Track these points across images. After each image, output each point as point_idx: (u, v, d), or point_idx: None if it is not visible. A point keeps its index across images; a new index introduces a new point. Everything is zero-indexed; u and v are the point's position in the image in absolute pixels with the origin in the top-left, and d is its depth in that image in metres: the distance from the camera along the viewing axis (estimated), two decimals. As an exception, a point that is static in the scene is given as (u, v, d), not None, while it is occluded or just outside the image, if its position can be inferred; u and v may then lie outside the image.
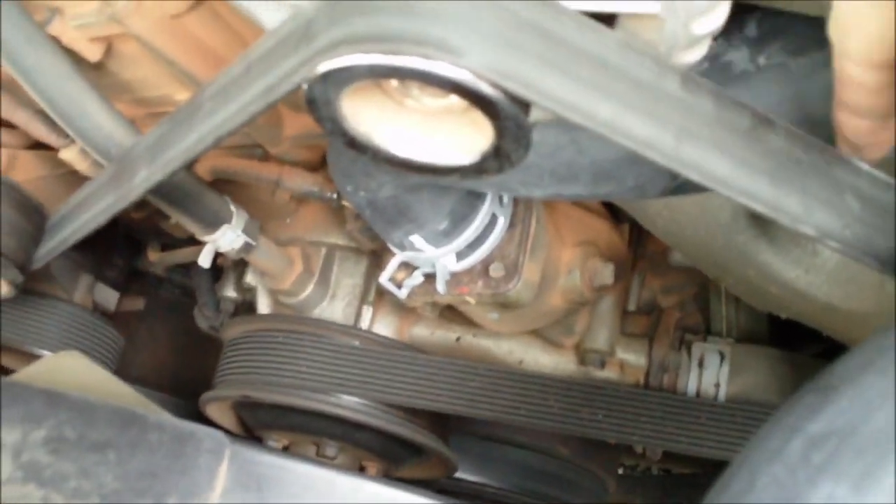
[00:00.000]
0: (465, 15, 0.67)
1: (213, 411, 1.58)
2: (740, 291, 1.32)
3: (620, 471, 2.28)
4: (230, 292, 1.70)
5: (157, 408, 1.00)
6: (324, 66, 0.69)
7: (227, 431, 1.54)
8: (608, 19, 0.76)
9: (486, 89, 0.67)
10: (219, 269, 1.72)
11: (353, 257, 1.52)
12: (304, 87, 0.73)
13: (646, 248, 1.55)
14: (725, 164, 0.74)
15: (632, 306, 1.57)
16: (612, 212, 1.45)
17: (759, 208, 0.76)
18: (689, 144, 0.72)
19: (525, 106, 0.70)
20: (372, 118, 0.77)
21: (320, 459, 1.49)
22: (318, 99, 0.73)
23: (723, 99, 0.75)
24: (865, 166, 0.79)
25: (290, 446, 1.54)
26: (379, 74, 0.69)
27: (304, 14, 0.75)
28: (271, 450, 1.21)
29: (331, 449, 1.50)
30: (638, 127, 0.71)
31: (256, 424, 1.55)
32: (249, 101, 0.82)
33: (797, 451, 0.53)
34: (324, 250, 1.51)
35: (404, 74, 0.68)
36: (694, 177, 0.73)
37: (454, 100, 0.74)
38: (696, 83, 0.74)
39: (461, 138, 0.76)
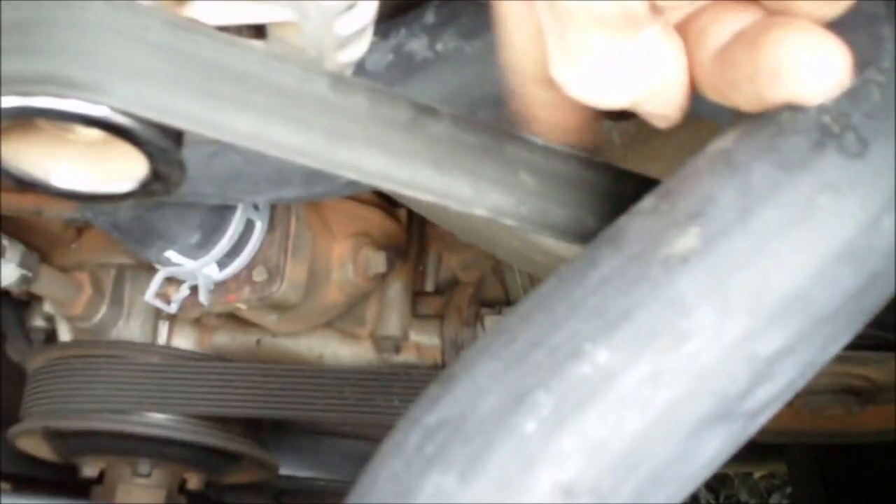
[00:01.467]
0: (87, 47, 0.67)
1: (25, 444, 1.56)
2: (514, 262, 1.34)
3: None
4: (38, 322, 1.67)
5: None
6: (-44, 112, 0.69)
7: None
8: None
9: (117, 119, 0.67)
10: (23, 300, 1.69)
11: (143, 274, 1.49)
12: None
13: (437, 228, 1.55)
14: (383, 160, 0.74)
15: (430, 287, 1.58)
16: (388, 199, 1.46)
17: (428, 198, 0.77)
18: (341, 145, 0.73)
19: (163, 128, 0.70)
20: (34, 154, 0.76)
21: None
22: (-32, 143, 0.73)
23: (378, 95, 0.75)
24: (540, 140, 0.81)
25: (106, 469, 1.53)
26: (8, 116, 0.68)
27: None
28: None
29: (144, 467, 1.49)
30: (285, 135, 0.71)
31: (68, 452, 1.54)
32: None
33: (414, 443, 0.53)
34: (113, 271, 1.48)
35: (34, 114, 0.67)
36: (351, 175, 0.74)
37: (102, 129, 0.74)
38: (347, 83, 0.75)
39: (122, 165, 0.76)
